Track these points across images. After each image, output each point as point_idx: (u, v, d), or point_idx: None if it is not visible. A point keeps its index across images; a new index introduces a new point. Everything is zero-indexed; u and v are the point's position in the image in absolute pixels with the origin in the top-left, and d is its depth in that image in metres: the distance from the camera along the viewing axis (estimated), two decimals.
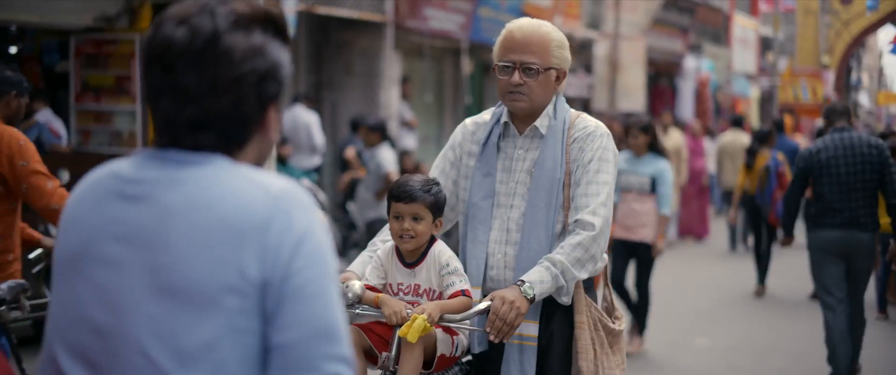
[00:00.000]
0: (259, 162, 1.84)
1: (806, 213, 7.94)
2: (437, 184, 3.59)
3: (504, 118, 3.68)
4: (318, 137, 12.10)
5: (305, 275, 1.70)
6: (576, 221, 3.47)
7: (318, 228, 1.75)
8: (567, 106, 3.68)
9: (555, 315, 3.56)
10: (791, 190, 7.44)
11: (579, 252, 3.43)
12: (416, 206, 3.48)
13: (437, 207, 3.53)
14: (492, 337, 3.36)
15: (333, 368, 1.69)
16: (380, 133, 11.08)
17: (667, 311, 10.40)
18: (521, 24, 3.63)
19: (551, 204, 3.52)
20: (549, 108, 3.63)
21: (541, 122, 3.61)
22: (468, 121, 3.83)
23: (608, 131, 3.63)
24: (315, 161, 12.23)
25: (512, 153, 3.65)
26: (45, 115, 9.98)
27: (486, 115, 3.79)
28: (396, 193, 3.52)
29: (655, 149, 8.51)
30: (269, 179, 1.75)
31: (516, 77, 3.55)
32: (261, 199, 1.72)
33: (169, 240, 1.71)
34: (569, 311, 3.55)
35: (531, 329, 3.51)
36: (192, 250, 1.69)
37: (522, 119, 3.65)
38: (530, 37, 3.57)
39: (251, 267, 1.69)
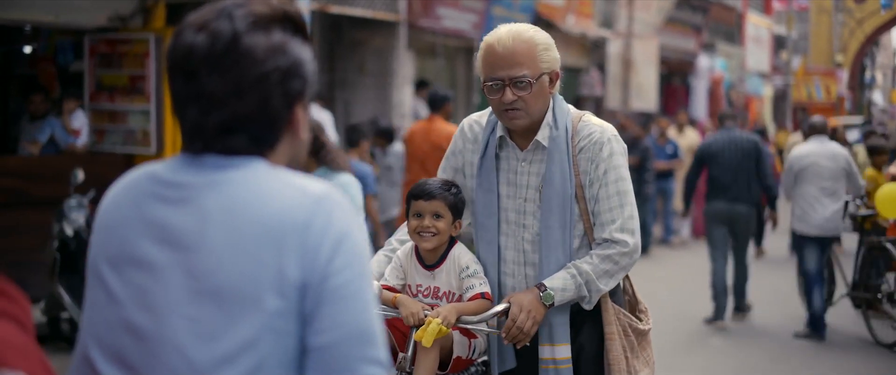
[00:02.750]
0: (292, 163, 1.85)
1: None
2: (457, 186, 3.54)
3: (499, 131, 3.46)
4: (332, 136, 12.11)
5: (344, 276, 1.71)
6: (605, 239, 3.34)
7: (358, 230, 1.76)
8: (566, 107, 3.46)
9: (583, 327, 3.47)
10: (689, 172, 10.13)
11: (608, 265, 3.33)
12: (437, 204, 3.46)
13: (456, 208, 3.50)
14: (505, 341, 3.34)
15: (369, 370, 1.70)
16: (388, 137, 11.14)
17: (681, 310, 10.38)
18: (500, 36, 3.33)
19: (566, 223, 3.36)
20: (549, 116, 3.39)
21: (542, 135, 3.39)
22: (465, 125, 3.60)
23: (614, 131, 3.43)
24: None
25: (515, 166, 3.46)
26: (79, 118, 10.02)
27: (483, 119, 3.56)
28: (416, 192, 3.50)
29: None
30: (307, 182, 1.76)
31: (509, 95, 3.29)
32: (301, 202, 1.72)
33: (208, 243, 1.71)
34: (597, 321, 3.45)
35: (564, 352, 3.40)
36: (232, 252, 1.70)
37: (521, 133, 3.43)
38: (514, 48, 3.29)
39: (291, 269, 1.70)
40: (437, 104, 9.60)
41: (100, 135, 10.15)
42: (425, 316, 3.32)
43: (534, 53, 3.31)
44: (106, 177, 6.53)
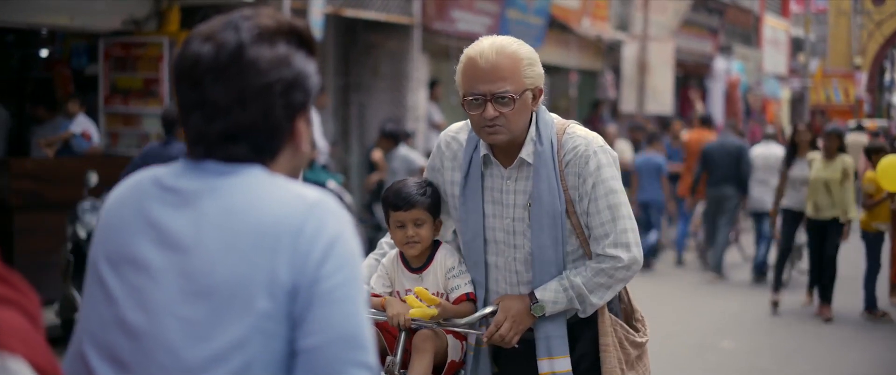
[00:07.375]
0: (293, 174, 1.89)
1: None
2: (431, 184, 3.50)
3: (483, 149, 3.32)
4: (319, 137, 12.01)
5: (335, 280, 1.74)
6: (598, 254, 3.27)
7: (350, 235, 1.79)
8: (549, 118, 3.33)
9: (582, 337, 3.42)
10: (698, 168, 13.14)
11: (602, 278, 3.27)
12: (417, 212, 3.43)
13: (435, 208, 3.48)
14: (484, 342, 3.36)
15: (356, 373, 1.73)
16: (394, 139, 11.20)
17: (692, 313, 10.38)
18: (483, 49, 3.18)
19: (557, 240, 3.28)
20: (532, 131, 3.27)
21: (526, 151, 3.27)
22: (442, 142, 3.48)
23: (601, 141, 3.30)
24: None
25: (500, 184, 3.34)
26: (80, 123, 10.02)
27: (462, 134, 3.43)
28: (394, 202, 3.44)
29: None
30: (304, 189, 1.80)
31: (490, 111, 3.15)
32: (296, 207, 1.76)
33: (204, 245, 1.76)
34: (595, 332, 3.40)
35: (564, 364, 3.35)
36: (226, 254, 1.74)
37: (504, 149, 3.30)
38: (497, 62, 3.15)
39: (283, 272, 1.73)
40: None
41: (114, 138, 10.21)
42: (411, 321, 3.33)
43: (518, 68, 3.18)
44: (120, 179, 6.57)
